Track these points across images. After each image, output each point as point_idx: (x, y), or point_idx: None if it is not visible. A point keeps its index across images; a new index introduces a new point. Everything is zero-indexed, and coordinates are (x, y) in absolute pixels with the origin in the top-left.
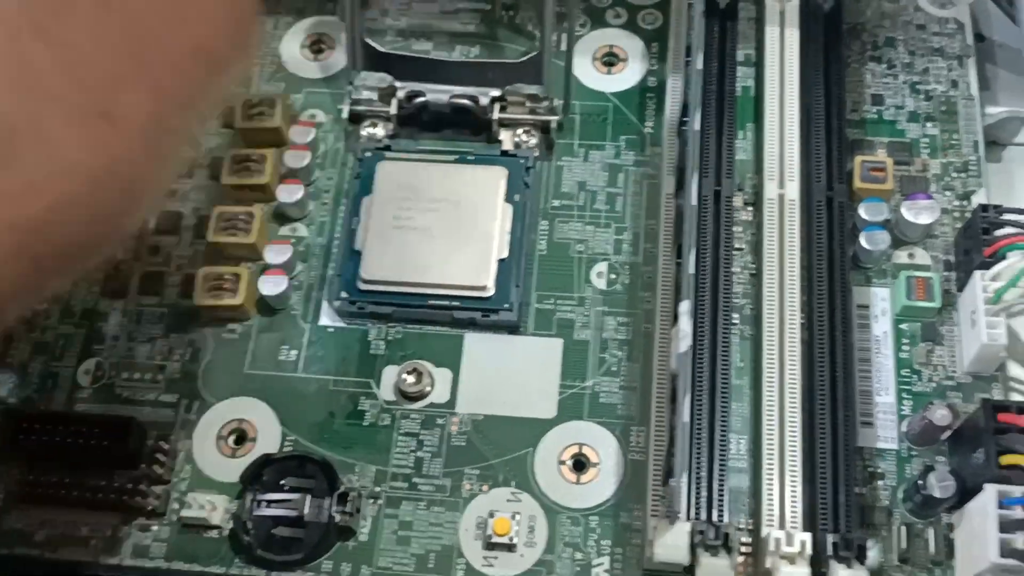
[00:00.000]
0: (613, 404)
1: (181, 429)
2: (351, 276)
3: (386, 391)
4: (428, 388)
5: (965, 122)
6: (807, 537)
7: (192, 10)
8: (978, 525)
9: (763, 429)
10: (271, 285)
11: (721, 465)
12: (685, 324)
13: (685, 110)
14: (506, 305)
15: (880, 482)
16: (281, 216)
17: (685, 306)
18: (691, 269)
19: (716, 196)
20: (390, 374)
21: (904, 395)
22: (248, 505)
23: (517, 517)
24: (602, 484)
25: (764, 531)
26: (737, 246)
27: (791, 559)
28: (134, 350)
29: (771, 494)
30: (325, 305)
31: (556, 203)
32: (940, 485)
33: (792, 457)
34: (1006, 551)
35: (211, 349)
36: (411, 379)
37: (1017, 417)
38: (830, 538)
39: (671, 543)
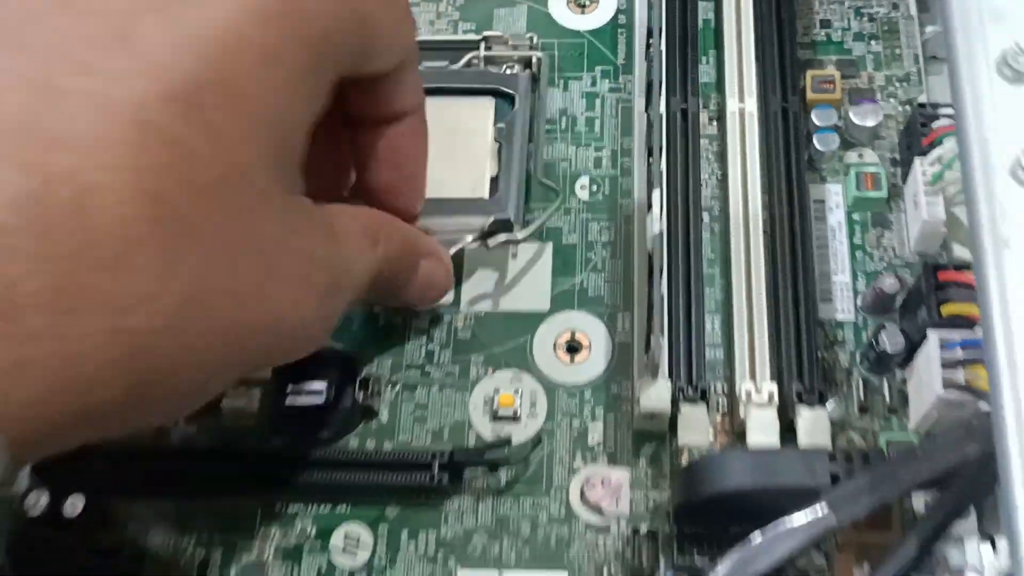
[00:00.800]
0: (600, 296)
1: None
2: None
3: None
4: None
5: (906, 39)
6: (774, 387)
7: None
8: (923, 368)
9: (733, 308)
10: None
11: (697, 338)
12: (657, 208)
13: (652, 34)
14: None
15: (839, 348)
16: None
17: (657, 194)
18: (662, 166)
19: (684, 114)
20: None
21: (858, 274)
22: (280, 395)
23: (520, 392)
24: (593, 363)
25: (737, 386)
26: (708, 157)
27: (761, 406)
28: None
29: (743, 359)
30: None
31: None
32: (891, 341)
33: (760, 329)
34: (948, 384)
35: None
36: None
37: (955, 273)
38: (795, 386)
39: (655, 395)
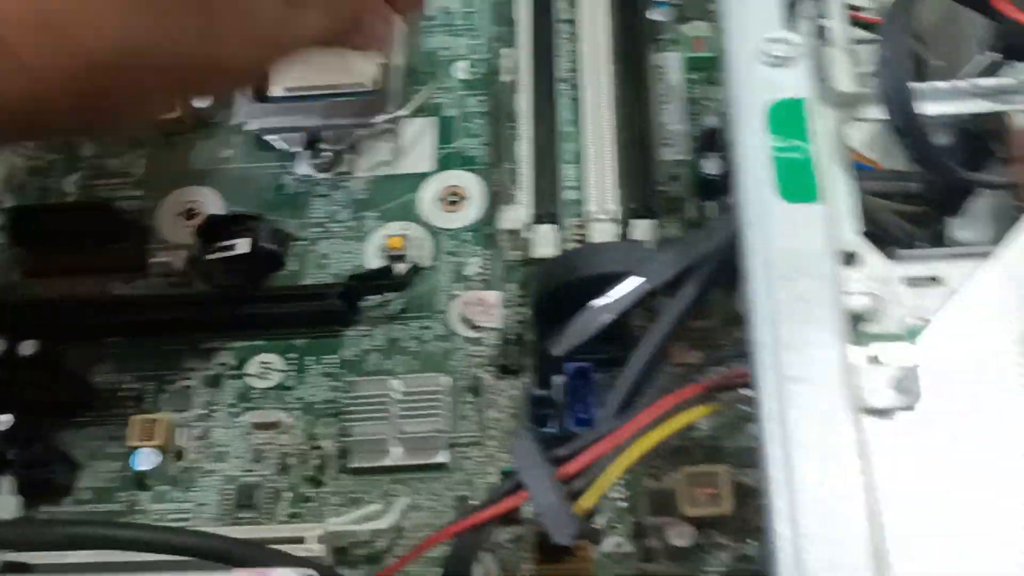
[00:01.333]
0: (476, 155)
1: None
2: None
3: (300, 167)
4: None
5: None
6: (616, 207)
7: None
8: None
9: (587, 152)
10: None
11: (554, 178)
12: (510, 62)
13: None
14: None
15: (678, 182)
16: None
17: (511, 51)
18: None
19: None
20: (303, 157)
21: (693, 124)
22: (202, 250)
23: (408, 238)
24: (471, 211)
25: (585, 209)
26: (564, 37)
27: (602, 220)
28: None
29: (591, 191)
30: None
31: (423, 23)
32: (711, 165)
33: (610, 168)
34: None
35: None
36: (326, 154)
37: None
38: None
39: (513, 216)
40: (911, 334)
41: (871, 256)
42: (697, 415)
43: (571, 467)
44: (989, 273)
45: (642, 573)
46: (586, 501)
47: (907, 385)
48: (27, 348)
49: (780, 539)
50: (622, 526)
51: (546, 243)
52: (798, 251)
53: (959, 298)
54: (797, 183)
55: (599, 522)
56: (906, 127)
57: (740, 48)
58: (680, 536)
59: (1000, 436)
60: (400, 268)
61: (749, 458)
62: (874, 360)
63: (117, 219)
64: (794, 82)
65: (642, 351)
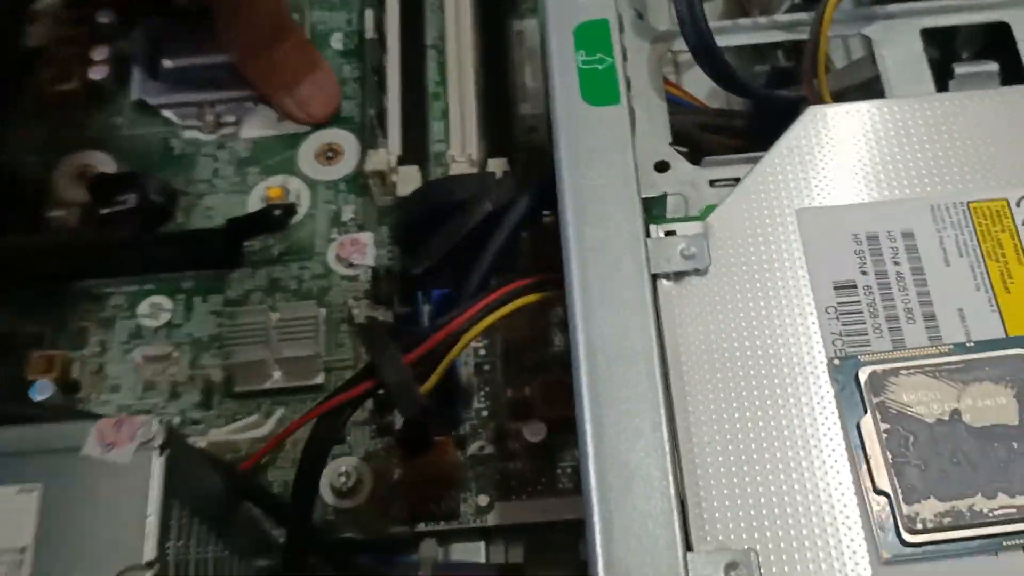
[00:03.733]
0: (351, 116)
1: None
2: None
3: (188, 132)
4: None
5: None
6: (474, 151)
7: None
8: None
9: (451, 111)
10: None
11: (422, 131)
12: (370, 23)
13: None
14: None
15: (535, 133)
16: None
17: (372, 14)
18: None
19: None
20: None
21: None
22: (95, 206)
23: (287, 188)
24: (346, 164)
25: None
26: (432, 10)
27: (460, 163)
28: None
29: (456, 139)
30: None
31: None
32: None
33: (471, 119)
34: None
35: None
36: (210, 118)
37: None
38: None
39: (378, 159)
40: (705, 214)
41: (679, 163)
42: (524, 302)
43: (416, 352)
44: (767, 159)
45: (503, 470)
46: (430, 381)
47: (694, 251)
48: None
49: (581, 385)
50: (484, 432)
51: (411, 182)
52: (599, 146)
53: (744, 181)
54: (600, 89)
55: (464, 429)
56: (699, 47)
57: None
58: (534, 433)
59: (783, 292)
60: (276, 211)
61: None
62: (670, 233)
63: (14, 180)
64: (598, 6)
65: (483, 256)
